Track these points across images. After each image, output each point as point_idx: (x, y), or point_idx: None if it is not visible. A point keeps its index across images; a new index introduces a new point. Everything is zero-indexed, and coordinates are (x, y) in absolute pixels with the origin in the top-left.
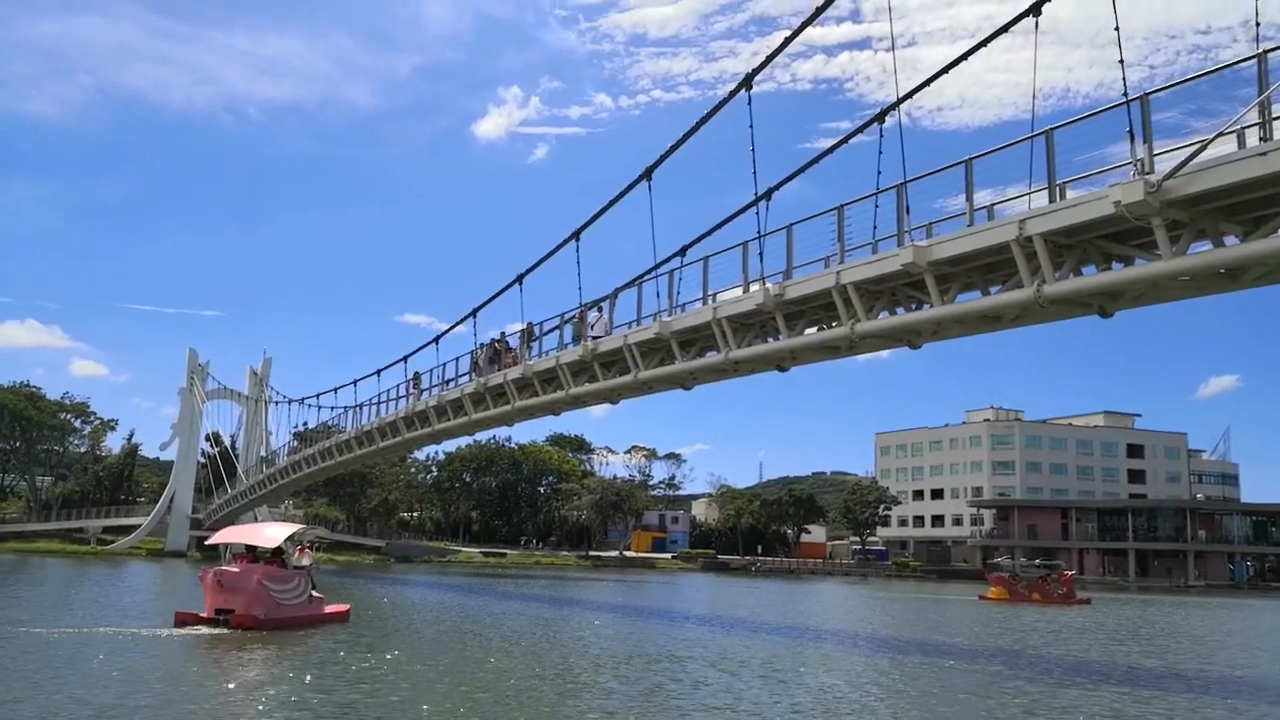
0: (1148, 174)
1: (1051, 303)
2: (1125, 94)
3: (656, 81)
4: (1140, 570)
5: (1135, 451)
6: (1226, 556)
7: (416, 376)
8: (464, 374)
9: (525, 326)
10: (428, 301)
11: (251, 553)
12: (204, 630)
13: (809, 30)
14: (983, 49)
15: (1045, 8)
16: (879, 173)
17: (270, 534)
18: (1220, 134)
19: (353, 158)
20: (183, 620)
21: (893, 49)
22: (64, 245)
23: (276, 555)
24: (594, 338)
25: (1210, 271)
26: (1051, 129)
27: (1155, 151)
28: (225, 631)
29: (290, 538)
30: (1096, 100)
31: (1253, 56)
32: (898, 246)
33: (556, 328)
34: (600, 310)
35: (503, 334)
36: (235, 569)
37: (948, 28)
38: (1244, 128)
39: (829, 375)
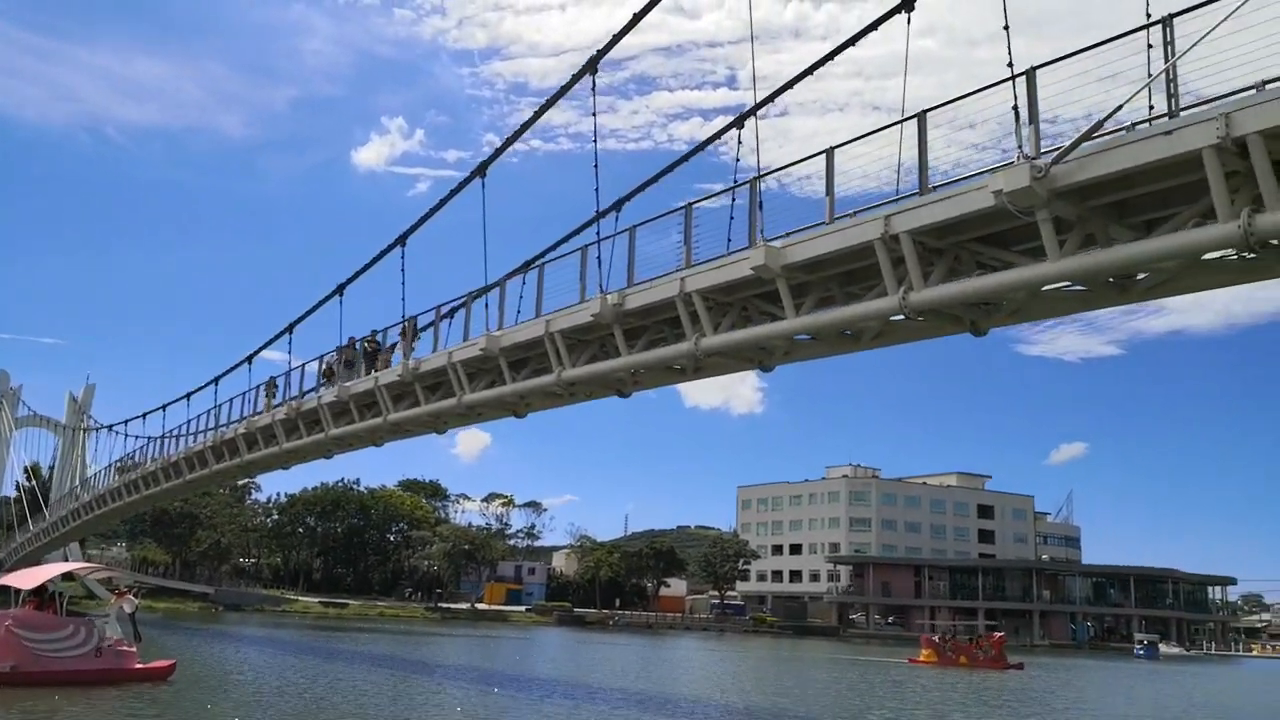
0: (1034, 159)
1: (919, 314)
2: (1010, 65)
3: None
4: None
5: (986, 512)
6: (1069, 617)
7: (271, 382)
8: (323, 383)
9: (409, 320)
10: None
11: (40, 596)
12: None
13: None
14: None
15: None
16: (734, 178)
17: (40, 574)
18: (1119, 108)
19: (220, 187)
20: None
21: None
22: None
23: (52, 600)
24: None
25: (1098, 277)
26: (924, 111)
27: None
28: None
29: (107, 582)
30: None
31: (1157, 21)
32: (749, 248)
33: (449, 314)
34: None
35: (373, 332)
36: None
37: (818, 100)
38: (1138, 122)
39: (700, 428)
